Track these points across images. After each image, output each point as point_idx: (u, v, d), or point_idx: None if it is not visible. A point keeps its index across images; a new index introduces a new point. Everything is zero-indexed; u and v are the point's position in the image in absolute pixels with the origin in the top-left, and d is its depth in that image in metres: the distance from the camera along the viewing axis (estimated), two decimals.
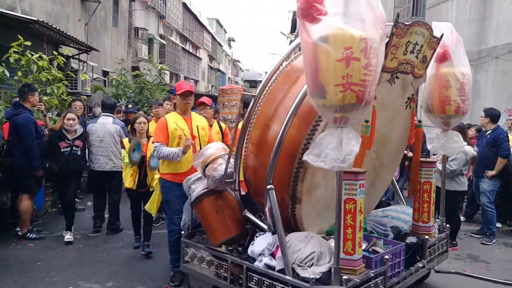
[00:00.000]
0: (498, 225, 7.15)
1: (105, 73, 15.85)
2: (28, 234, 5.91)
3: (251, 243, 3.60)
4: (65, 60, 8.38)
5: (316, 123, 3.36)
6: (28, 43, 6.96)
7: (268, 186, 3.31)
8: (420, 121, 4.33)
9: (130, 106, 9.33)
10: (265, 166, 3.44)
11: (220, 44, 50.81)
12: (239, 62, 78.42)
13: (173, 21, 27.71)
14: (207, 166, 3.86)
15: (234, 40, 69.92)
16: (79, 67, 11.69)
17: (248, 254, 3.60)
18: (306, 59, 2.80)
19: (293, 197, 3.52)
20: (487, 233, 6.55)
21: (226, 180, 3.81)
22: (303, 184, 3.46)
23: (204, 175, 3.93)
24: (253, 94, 4.00)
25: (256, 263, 3.43)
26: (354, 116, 2.79)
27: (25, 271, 4.84)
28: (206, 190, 3.92)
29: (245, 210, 3.90)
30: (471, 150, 5.91)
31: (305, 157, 2.86)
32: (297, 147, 3.38)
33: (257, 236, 3.63)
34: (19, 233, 5.95)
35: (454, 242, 6.06)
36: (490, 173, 6.52)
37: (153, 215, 5.37)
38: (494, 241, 6.47)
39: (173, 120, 4.58)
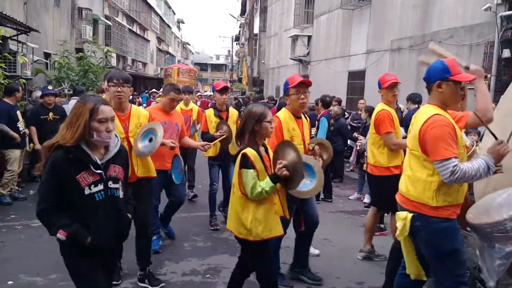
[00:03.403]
0: None
1: (47, 55, 15.14)
2: None
3: None
4: (1, 41, 7.90)
5: None
6: None
7: None
8: None
9: (50, 87, 7.88)
10: None
11: (169, 26, 49.79)
12: (189, 44, 77.35)
13: (119, 1, 26.80)
14: None
15: (183, 22, 68.76)
16: (17, 49, 11.07)
17: None
18: None
19: None
20: None
21: None
22: None
23: None
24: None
25: None
26: None
27: None
28: None
29: None
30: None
31: None
32: None
33: None
34: None
35: (382, 226, 5.89)
36: None
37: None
38: None
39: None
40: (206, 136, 5.82)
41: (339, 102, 10.04)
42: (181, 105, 6.85)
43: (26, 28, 10.83)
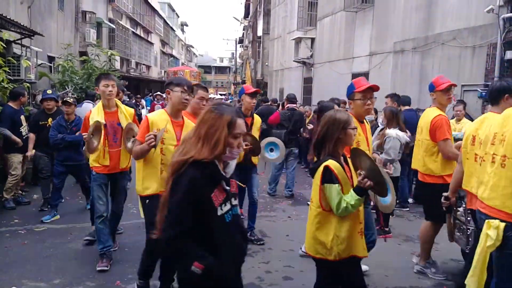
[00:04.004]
0: None
1: (51, 59, 15.20)
2: None
3: None
4: (5, 46, 7.92)
5: None
6: None
7: None
8: None
9: (49, 91, 7.37)
10: None
11: (172, 29, 49.93)
12: (193, 47, 77.59)
13: (122, 4, 26.89)
14: None
15: (187, 25, 68.99)
16: (21, 52, 11.11)
17: None
18: None
19: None
20: None
21: None
22: None
23: None
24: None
25: None
26: None
27: None
28: None
29: None
30: (404, 136, 5.69)
31: None
32: None
33: None
34: None
35: (387, 229, 5.95)
36: None
37: None
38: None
39: None
40: None
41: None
42: None
43: (30, 32, 10.87)
